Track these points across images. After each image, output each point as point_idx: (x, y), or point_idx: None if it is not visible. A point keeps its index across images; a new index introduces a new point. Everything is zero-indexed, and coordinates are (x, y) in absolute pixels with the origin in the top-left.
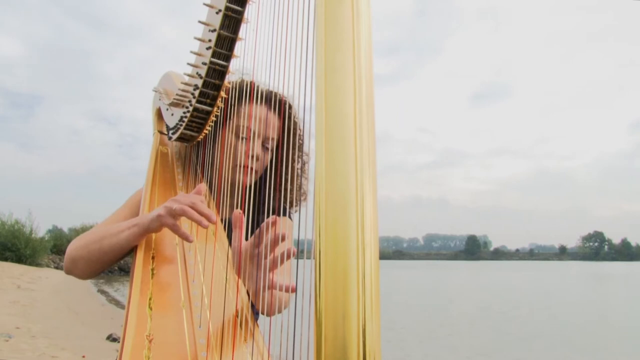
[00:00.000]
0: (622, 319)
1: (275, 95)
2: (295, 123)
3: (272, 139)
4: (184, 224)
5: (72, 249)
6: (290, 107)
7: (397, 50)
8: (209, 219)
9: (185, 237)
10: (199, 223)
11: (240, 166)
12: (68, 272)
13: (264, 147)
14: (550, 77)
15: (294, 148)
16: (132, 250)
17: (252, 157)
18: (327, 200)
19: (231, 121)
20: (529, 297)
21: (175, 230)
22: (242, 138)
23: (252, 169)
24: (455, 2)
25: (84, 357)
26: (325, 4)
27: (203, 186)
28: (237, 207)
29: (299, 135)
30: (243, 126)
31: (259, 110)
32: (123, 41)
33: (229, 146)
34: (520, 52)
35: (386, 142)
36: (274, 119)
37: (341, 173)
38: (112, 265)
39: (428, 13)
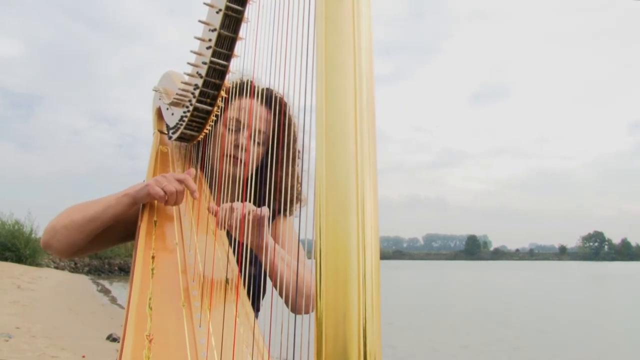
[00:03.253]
0: (622, 319)
1: (269, 91)
2: (289, 119)
3: (263, 132)
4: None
5: (53, 220)
6: (283, 102)
7: (395, 50)
8: (192, 193)
9: (172, 202)
10: (191, 193)
11: (226, 156)
12: (45, 245)
13: (255, 139)
14: (550, 77)
15: (287, 143)
16: (114, 231)
17: (238, 146)
18: (327, 200)
19: (224, 115)
20: (529, 297)
21: (161, 199)
22: (229, 129)
23: (238, 159)
24: (454, 3)
25: (84, 357)
26: (326, 4)
27: (192, 170)
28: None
29: (294, 131)
30: (232, 118)
31: (248, 103)
32: (123, 41)
33: (219, 138)
34: (520, 52)
35: (385, 142)
36: (264, 113)
37: (342, 173)
38: (92, 243)
39: (426, 14)
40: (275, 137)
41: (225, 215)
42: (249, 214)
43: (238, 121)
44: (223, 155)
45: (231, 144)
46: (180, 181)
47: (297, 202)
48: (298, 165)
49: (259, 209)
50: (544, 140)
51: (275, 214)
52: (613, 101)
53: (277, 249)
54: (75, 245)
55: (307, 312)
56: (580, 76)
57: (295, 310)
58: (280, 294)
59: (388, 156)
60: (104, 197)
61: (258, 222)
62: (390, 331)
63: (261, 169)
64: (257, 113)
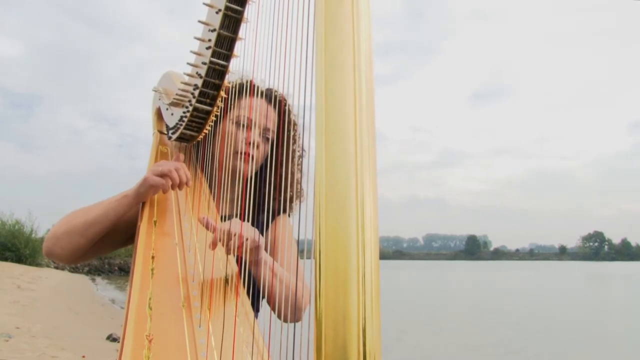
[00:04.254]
0: (622, 319)
1: (273, 91)
2: (291, 119)
3: (270, 130)
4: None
5: (54, 226)
6: (286, 103)
7: (395, 50)
8: (187, 183)
9: (166, 191)
10: (180, 185)
11: (240, 153)
12: (47, 252)
13: (263, 137)
14: (550, 77)
15: (290, 143)
16: (117, 234)
17: (252, 144)
18: (327, 200)
19: (231, 113)
20: (529, 297)
21: (163, 188)
22: (243, 125)
23: (252, 156)
24: (453, 3)
25: (84, 357)
26: (325, 4)
27: (182, 156)
28: (236, 203)
29: (295, 130)
30: (243, 116)
31: (258, 101)
32: (123, 41)
33: (229, 135)
34: (520, 52)
35: (385, 142)
36: (271, 112)
37: (341, 172)
38: (95, 247)
39: (425, 14)
40: (277, 136)
41: (222, 237)
42: (246, 239)
43: (249, 119)
44: (236, 152)
45: (244, 141)
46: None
47: (296, 200)
48: (299, 165)
49: (255, 237)
50: (544, 140)
51: (274, 214)
52: (613, 101)
53: (271, 265)
54: (78, 251)
55: (297, 320)
56: (580, 76)
57: (284, 319)
58: (273, 309)
59: (388, 156)
60: (104, 201)
61: (255, 248)
62: (391, 333)
63: (264, 168)
64: (264, 111)
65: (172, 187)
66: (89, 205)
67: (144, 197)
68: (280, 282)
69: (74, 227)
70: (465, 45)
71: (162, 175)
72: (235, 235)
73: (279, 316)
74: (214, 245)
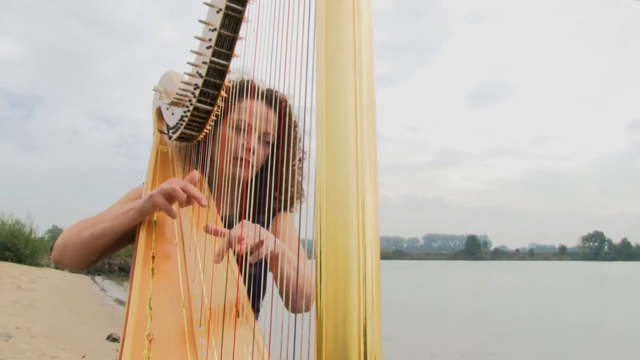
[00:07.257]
0: (622, 319)
1: (273, 93)
2: (292, 120)
3: (270, 134)
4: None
5: (63, 236)
6: (287, 104)
7: (394, 51)
8: (199, 202)
9: (173, 216)
10: (187, 204)
11: (240, 159)
12: (56, 261)
13: (263, 141)
14: (549, 76)
15: (290, 145)
16: (123, 239)
17: (250, 150)
18: (327, 200)
19: (230, 116)
20: (529, 297)
21: (167, 210)
22: (242, 130)
23: (249, 162)
24: (452, 4)
25: (84, 357)
26: (326, 4)
27: (196, 173)
28: (237, 205)
29: (296, 132)
30: (241, 120)
31: (256, 105)
32: (123, 41)
33: (229, 140)
34: (519, 52)
35: (385, 143)
36: (271, 115)
37: (342, 173)
38: (102, 254)
39: (425, 15)
40: (278, 137)
41: (234, 244)
42: (251, 252)
43: (247, 123)
44: (235, 158)
45: (242, 147)
46: (184, 190)
47: (297, 199)
48: (300, 166)
49: (261, 250)
50: (543, 140)
51: (276, 212)
52: (612, 101)
53: (286, 255)
54: (86, 260)
55: (306, 310)
56: (579, 76)
57: (295, 310)
58: (281, 293)
59: (388, 156)
60: (111, 211)
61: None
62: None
63: (264, 169)
64: (264, 115)
65: (181, 205)
66: (96, 216)
67: (149, 213)
68: (294, 270)
69: (81, 239)
70: (464, 46)
71: (167, 195)
72: (247, 237)
73: (292, 308)
74: (220, 257)
